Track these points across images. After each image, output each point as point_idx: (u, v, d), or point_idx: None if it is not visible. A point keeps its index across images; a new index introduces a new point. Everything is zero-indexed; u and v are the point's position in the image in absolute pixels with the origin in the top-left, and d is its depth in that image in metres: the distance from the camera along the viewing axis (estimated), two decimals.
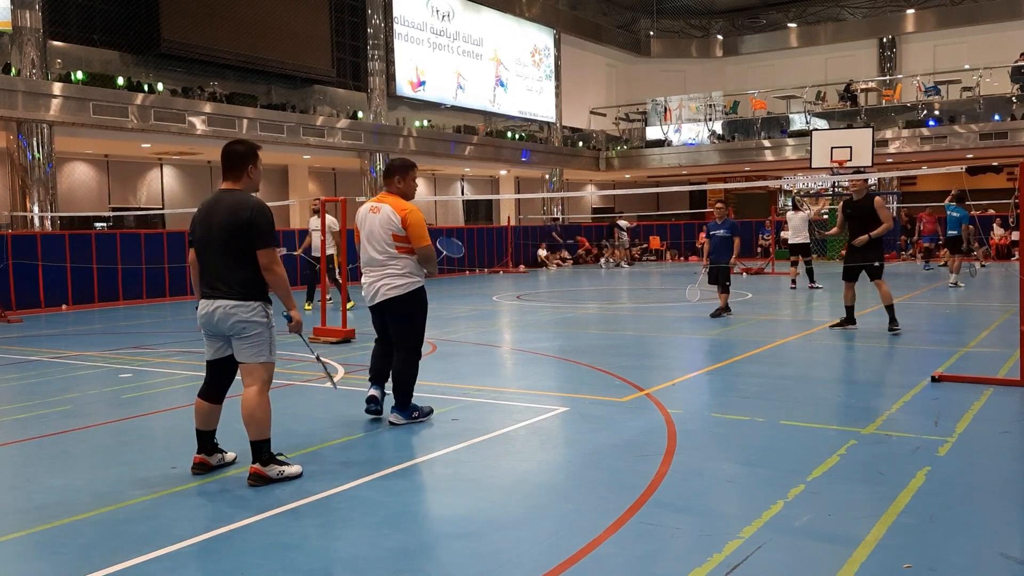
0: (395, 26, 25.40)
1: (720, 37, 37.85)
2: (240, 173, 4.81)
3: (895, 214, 26.19)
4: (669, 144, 32.83)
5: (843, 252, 23.77)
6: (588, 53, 34.89)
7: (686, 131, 32.96)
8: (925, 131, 27.71)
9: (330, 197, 18.77)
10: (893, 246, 25.94)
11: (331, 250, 13.48)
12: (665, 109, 33.50)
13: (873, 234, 9.68)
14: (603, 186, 38.14)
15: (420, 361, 6.09)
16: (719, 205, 12.61)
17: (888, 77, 32.98)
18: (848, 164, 22.80)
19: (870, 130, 23.99)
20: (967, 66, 29.52)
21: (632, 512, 4.07)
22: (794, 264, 17.28)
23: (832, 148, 23.33)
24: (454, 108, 27.96)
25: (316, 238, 13.93)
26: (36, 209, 17.26)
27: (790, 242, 17.45)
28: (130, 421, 6.40)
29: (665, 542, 3.72)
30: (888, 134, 28.05)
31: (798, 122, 30.64)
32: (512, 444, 5.47)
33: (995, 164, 30.86)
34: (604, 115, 35.49)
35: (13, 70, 16.71)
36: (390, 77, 25.33)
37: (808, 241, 17.33)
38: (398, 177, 6.06)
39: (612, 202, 37.28)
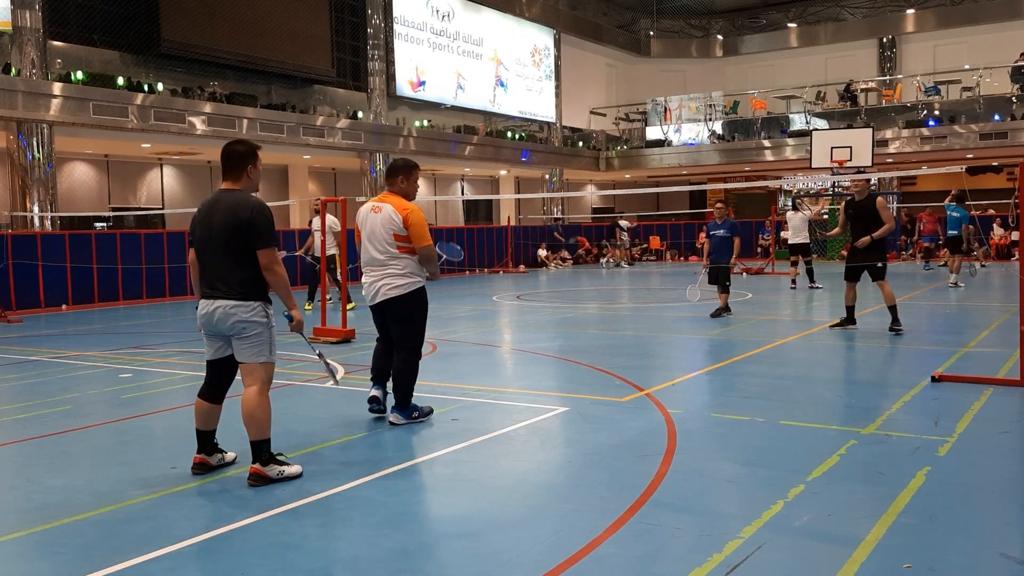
0: (395, 26, 25.40)
1: (720, 37, 37.86)
2: (240, 173, 4.82)
3: (895, 214, 26.17)
4: (669, 144, 32.83)
5: (843, 252, 23.84)
6: (588, 53, 34.89)
7: (686, 131, 32.97)
8: (925, 131, 27.72)
9: (330, 197, 18.77)
10: (893, 246, 25.93)
11: (333, 250, 13.47)
12: (665, 109, 33.51)
13: (875, 235, 9.68)
14: (603, 186, 38.14)
15: (420, 361, 6.10)
16: (719, 205, 12.61)
17: (888, 77, 32.98)
18: (848, 164, 22.81)
19: (870, 130, 24.00)
20: (967, 66, 29.53)
21: (632, 512, 4.07)
22: (794, 264, 17.28)
23: (832, 148, 23.34)
24: (454, 108, 27.96)
25: (319, 238, 13.91)
26: (36, 209, 17.26)
27: (790, 242, 17.45)
28: (130, 421, 6.40)
29: (665, 542, 3.72)
30: (888, 134, 28.06)
31: (798, 122, 30.65)
32: (512, 444, 5.47)
33: (995, 164, 30.86)
34: (604, 115, 35.50)
35: (13, 70, 16.72)
36: (390, 77, 25.33)
37: (808, 241, 17.33)
38: (402, 177, 6.07)
39: (612, 202, 37.28)
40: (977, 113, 27.31)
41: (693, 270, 18.09)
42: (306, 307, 14.23)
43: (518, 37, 30.54)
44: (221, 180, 4.88)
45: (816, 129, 27.39)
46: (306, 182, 27.14)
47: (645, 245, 31.56)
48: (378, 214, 5.93)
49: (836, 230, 11.15)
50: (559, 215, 32.58)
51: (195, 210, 4.94)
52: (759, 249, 28.68)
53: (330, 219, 13.76)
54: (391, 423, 5.95)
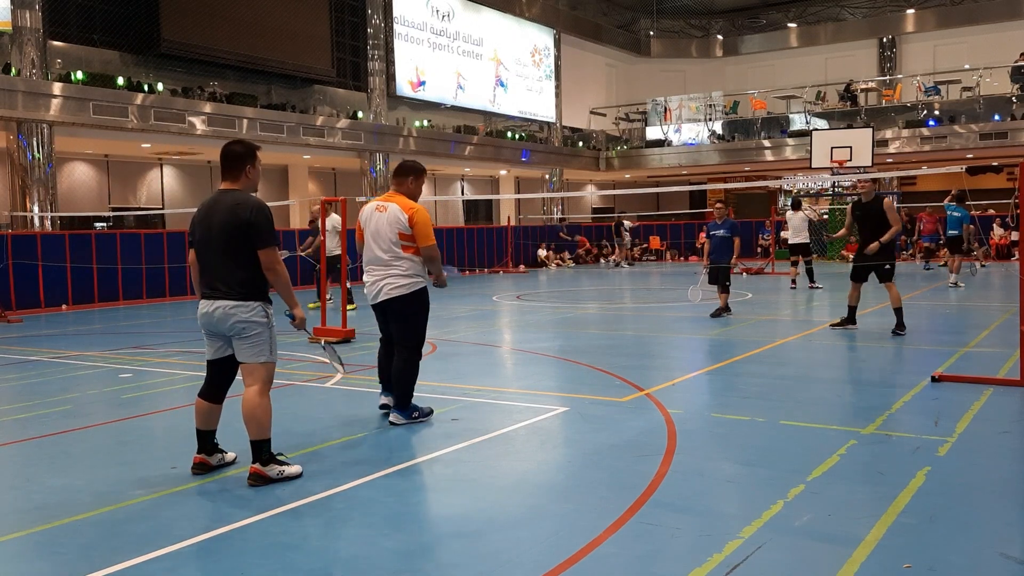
0: (395, 26, 25.40)
1: (720, 37, 37.86)
2: (238, 173, 4.82)
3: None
4: (669, 144, 32.83)
5: (843, 252, 23.88)
6: (588, 53, 34.89)
7: (686, 131, 32.97)
8: (925, 131, 27.72)
9: (330, 197, 18.77)
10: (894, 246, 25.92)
11: (337, 250, 13.43)
12: (665, 109, 33.51)
13: (883, 239, 9.65)
14: (603, 186, 38.14)
15: (420, 361, 6.10)
16: (719, 205, 12.61)
17: (888, 77, 32.98)
18: (848, 164, 22.80)
19: (870, 130, 24.00)
20: (967, 66, 29.52)
21: (632, 512, 4.07)
22: (794, 264, 17.27)
23: (832, 148, 23.34)
24: (454, 108, 27.96)
25: (328, 238, 13.80)
26: (36, 209, 17.26)
27: (790, 242, 17.45)
28: (130, 421, 6.40)
29: (665, 542, 3.72)
30: (888, 134, 28.06)
31: (798, 122, 30.64)
32: (512, 444, 5.47)
33: (995, 164, 30.86)
34: (604, 115, 35.49)
35: (13, 70, 16.72)
36: (390, 77, 25.33)
37: (808, 241, 17.33)
38: (412, 178, 6.10)
39: (612, 202, 37.28)
40: (977, 113, 27.31)
41: (693, 270, 18.09)
42: (309, 305, 14.22)
43: (518, 37, 30.54)
44: (220, 180, 4.88)
45: (816, 129, 27.38)
46: (306, 182, 27.14)
47: (645, 245, 31.56)
48: (383, 213, 5.93)
49: (842, 231, 11.15)
50: (564, 215, 32.61)
51: (195, 210, 4.95)
52: (759, 249, 28.68)
53: (335, 218, 13.73)
54: (391, 423, 5.95)
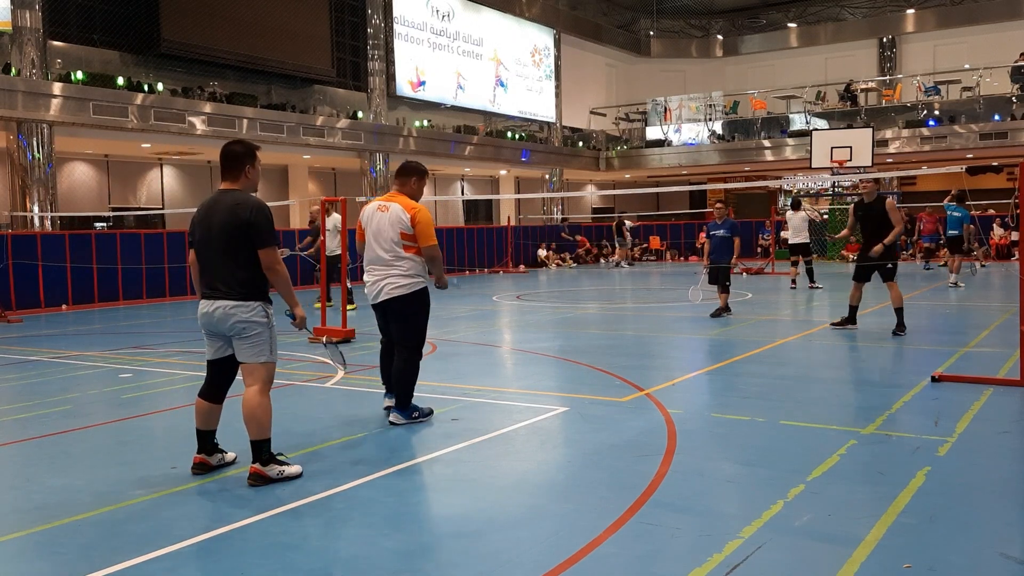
0: (395, 26, 25.40)
1: (720, 37, 37.85)
2: (238, 173, 4.82)
3: None
4: (669, 144, 32.83)
5: (843, 252, 23.87)
6: (588, 53, 34.89)
7: (686, 131, 32.97)
8: (925, 131, 27.71)
9: (330, 197, 18.76)
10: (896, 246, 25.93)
11: (338, 250, 13.41)
12: (665, 109, 33.50)
13: (887, 241, 9.64)
14: (603, 186, 38.14)
15: (421, 361, 6.11)
16: (719, 205, 12.61)
17: (888, 77, 32.98)
18: (848, 164, 22.80)
19: (870, 130, 24.00)
20: (967, 66, 29.52)
21: (632, 512, 4.07)
22: (794, 264, 17.28)
23: (832, 148, 23.34)
24: (454, 108, 27.96)
25: (329, 238, 13.80)
26: (36, 209, 17.26)
27: (790, 242, 17.45)
28: (130, 421, 6.40)
29: (665, 542, 3.72)
30: (888, 134, 28.05)
31: (798, 122, 30.64)
32: (512, 444, 5.47)
33: (995, 164, 30.86)
34: (604, 115, 35.49)
35: (13, 70, 16.72)
36: (390, 77, 25.33)
37: (808, 241, 17.33)
38: (415, 179, 6.12)
39: (612, 202, 37.28)
40: (977, 113, 27.31)
41: (693, 270, 18.09)
42: (315, 305, 14.21)
43: (518, 37, 30.54)
44: (220, 180, 4.89)
45: (816, 129, 27.38)
46: (306, 182, 27.14)
47: (645, 245, 31.57)
48: (385, 213, 5.94)
49: (845, 231, 11.14)
50: (566, 215, 32.61)
51: (195, 210, 4.95)
52: (759, 249, 28.68)
53: (336, 217, 13.71)
54: (391, 423, 5.96)
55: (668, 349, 9.94)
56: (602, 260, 29.61)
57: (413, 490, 4.63)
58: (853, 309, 10.31)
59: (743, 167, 32.98)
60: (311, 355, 9.31)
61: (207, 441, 4.93)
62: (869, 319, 11.07)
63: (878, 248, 9.62)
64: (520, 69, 30.57)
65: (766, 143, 30.56)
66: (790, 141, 29.71)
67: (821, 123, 29.80)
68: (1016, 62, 27.23)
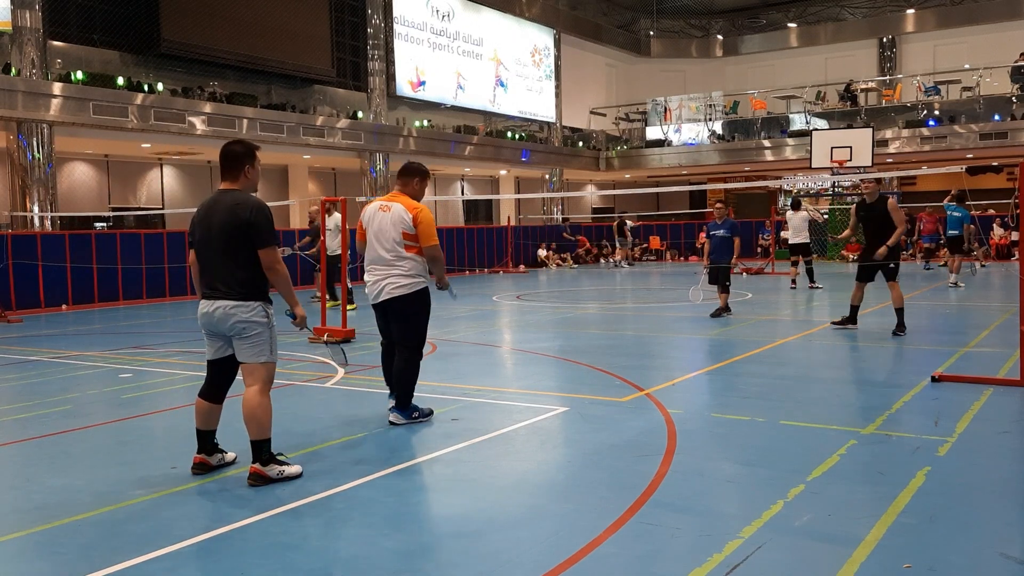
0: (395, 26, 25.40)
1: (720, 37, 37.86)
2: (238, 173, 4.82)
3: None
4: (669, 144, 32.83)
5: (844, 252, 23.86)
6: (588, 53, 34.89)
7: (686, 131, 32.97)
8: (925, 131, 27.72)
9: (330, 197, 18.76)
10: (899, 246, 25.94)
11: (339, 250, 13.40)
12: (665, 109, 33.51)
13: (890, 242, 9.64)
14: (603, 186, 38.14)
15: (421, 361, 6.11)
16: (719, 205, 12.61)
17: (888, 77, 32.98)
18: (848, 164, 22.80)
19: (870, 130, 24.00)
20: (967, 66, 29.52)
21: (632, 512, 4.07)
22: (794, 264, 17.28)
23: (832, 148, 23.34)
24: (454, 108, 27.96)
25: (330, 238, 13.79)
26: (36, 209, 17.26)
27: (790, 242, 17.45)
28: (130, 421, 6.40)
29: (665, 542, 3.72)
30: (888, 134, 28.05)
31: (798, 122, 30.64)
32: (512, 444, 5.47)
33: (995, 164, 30.86)
34: (604, 115, 35.49)
35: (13, 70, 16.72)
36: (390, 77, 25.33)
37: (808, 241, 17.33)
38: (418, 179, 6.14)
39: (612, 202, 37.29)
40: (977, 113, 27.31)
41: (693, 270, 18.09)
42: (311, 299, 14.24)
43: (518, 37, 30.54)
44: (220, 180, 4.89)
45: (816, 129, 27.38)
46: (306, 182, 27.14)
47: (645, 245, 31.57)
48: (387, 213, 5.95)
49: (847, 232, 11.13)
50: (567, 215, 32.61)
51: (195, 210, 4.95)
52: (759, 249, 28.68)
53: (336, 217, 13.70)
54: (391, 423, 5.96)
55: (668, 349, 9.94)
56: (602, 260, 29.61)
57: (413, 490, 4.63)
58: (854, 309, 10.31)
59: (743, 167, 32.98)
60: (311, 355, 9.31)
61: (207, 441, 4.93)
62: (869, 319, 11.07)
63: (882, 251, 9.61)
64: (520, 69, 30.57)
65: (766, 143, 30.56)
66: (790, 141, 29.71)
67: (821, 123, 29.81)
68: (1016, 62, 27.23)
